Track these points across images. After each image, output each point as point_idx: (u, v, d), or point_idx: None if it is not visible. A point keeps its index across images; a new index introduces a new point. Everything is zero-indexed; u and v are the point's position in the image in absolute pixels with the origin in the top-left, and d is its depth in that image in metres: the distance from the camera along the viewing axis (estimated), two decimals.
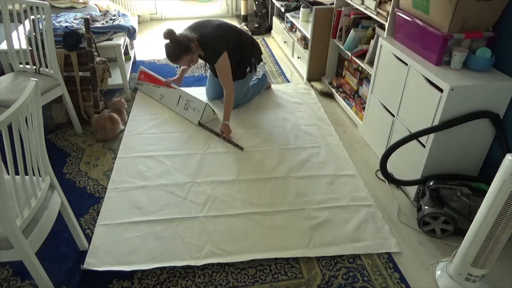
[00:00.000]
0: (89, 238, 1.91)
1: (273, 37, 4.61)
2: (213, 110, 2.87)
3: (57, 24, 2.95)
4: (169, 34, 2.51)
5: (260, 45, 4.34)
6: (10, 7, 2.39)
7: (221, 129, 2.68)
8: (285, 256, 1.85)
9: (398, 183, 2.23)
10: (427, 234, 1.99)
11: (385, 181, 2.31)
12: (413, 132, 1.97)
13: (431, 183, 1.94)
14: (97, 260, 1.80)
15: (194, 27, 2.67)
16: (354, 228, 2.01)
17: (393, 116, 2.30)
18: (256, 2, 4.79)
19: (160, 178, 2.31)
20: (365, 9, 2.64)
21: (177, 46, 2.52)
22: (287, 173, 2.38)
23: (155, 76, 3.16)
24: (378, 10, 2.48)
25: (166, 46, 2.55)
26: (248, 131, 2.78)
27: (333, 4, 3.14)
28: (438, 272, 1.77)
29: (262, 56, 3.05)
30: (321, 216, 2.07)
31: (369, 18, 2.76)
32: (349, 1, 2.85)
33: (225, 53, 2.59)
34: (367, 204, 2.16)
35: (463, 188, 1.90)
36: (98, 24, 3.06)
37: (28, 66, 2.54)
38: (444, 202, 1.88)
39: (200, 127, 2.79)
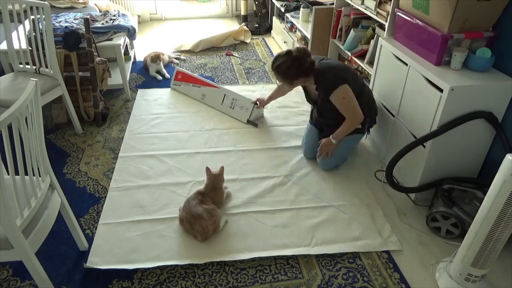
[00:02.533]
0: (89, 238, 1.91)
1: (273, 37, 4.61)
2: (261, 110, 2.92)
3: (57, 24, 2.95)
4: (304, 51, 2.16)
5: (261, 46, 4.36)
6: (10, 7, 2.39)
7: (325, 142, 2.34)
8: (286, 254, 1.85)
9: (407, 191, 2.21)
10: (431, 230, 2.00)
11: (385, 182, 2.30)
12: (416, 140, 1.96)
13: (445, 184, 1.94)
14: (100, 258, 1.81)
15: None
16: (355, 227, 2.01)
17: (393, 116, 2.30)
18: (256, 2, 4.79)
19: (161, 177, 2.32)
20: (365, 9, 2.64)
21: (298, 64, 2.13)
22: (288, 172, 2.38)
23: (194, 76, 3.20)
24: (378, 10, 2.48)
25: (282, 58, 2.16)
26: (248, 131, 2.78)
27: (333, 4, 3.14)
28: (438, 272, 1.77)
29: (374, 118, 2.44)
30: (322, 215, 2.08)
31: (369, 18, 2.76)
32: (349, 1, 2.85)
33: (347, 85, 2.14)
34: (368, 203, 2.17)
35: (477, 192, 1.89)
36: (98, 24, 3.06)
37: (28, 66, 2.53)
38: (454, 202, 1.88)
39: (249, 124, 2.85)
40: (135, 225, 1.99)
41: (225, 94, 2.98)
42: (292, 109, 3.07)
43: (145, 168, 2.39)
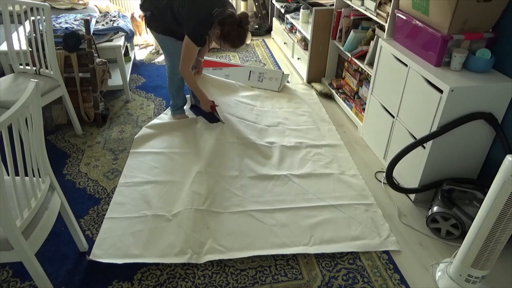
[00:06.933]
0: (89, 239, 1.91)
1: (273, 38, 4.62)
2: (287, 75, 3.42)
3: (57, 25, 2.95)
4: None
5: (261, 47, 4.36)
6: (11, 8, 2.39)
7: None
8: (285, 253, 1.86)
9: (407, 192, 2.22)
10: (431, 231, 2.00)
11: (385, 183, 2.30)
12: (416, 140, 1.96)
13: (445, 185, 1.95)
14: (103, 251, 1.83)
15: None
16: (354, 227, 2.01)
17: (393, 117, 2.30)
18: (256, 3, 4.79)
19: (168, 174, 2.33)
20: (365, 10, 2.64)
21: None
22: (288, 172, 2.38)
23: (212, 60, 3.47)
24: (378, 11, 2.48)
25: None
26: (249, 130, 2.78)
27: (333, 5, 3.15)
28: (439, 273, 1.77)
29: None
30: (321, 215, 2.08)
31: (369, 19, 2.77)
32: (349, 2, 2.86)
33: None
34: (368, 203, 2.17)
35: (477, 193, 1.89)
36: (98, 26, 3.06)
37: (28, 67, 2.54)
38: (454, 203, 1.88)
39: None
40: (140, 220, 2.01)
41: (250, 71, 3.37)
42: (293, 110, 3.07)
43: (154, 164, 2.41)
